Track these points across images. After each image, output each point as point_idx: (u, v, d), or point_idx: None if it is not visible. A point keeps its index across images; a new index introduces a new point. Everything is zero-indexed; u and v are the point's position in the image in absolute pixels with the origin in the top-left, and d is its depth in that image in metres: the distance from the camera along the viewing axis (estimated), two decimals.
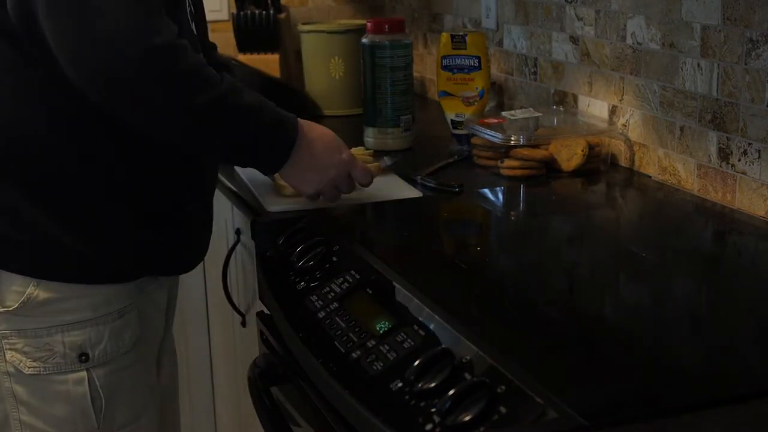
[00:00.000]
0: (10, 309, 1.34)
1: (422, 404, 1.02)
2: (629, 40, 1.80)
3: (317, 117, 2.41)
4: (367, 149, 1.95)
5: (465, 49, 2.01)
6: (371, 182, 1.58)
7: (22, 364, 1.35)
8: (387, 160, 1.80)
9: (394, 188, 1.71)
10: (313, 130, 1.47)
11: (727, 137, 1.59)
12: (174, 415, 1.63)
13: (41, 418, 1.37)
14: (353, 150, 1.88)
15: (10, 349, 1.35)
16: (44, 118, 1.30)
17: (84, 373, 1.36)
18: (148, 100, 1.25)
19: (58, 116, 1.30)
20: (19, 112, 1.29)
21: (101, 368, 1.37)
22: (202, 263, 2.31)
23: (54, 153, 1.31)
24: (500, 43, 2.26)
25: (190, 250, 1.48)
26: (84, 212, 1.33)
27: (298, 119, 1.46)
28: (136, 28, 1.21)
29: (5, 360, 1.35)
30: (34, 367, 1.35)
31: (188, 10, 1.45)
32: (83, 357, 1.36)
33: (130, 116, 1.28)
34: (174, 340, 1.62)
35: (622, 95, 1.85)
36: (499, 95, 2.26)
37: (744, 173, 1.57)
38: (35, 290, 1.33)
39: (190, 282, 2.22)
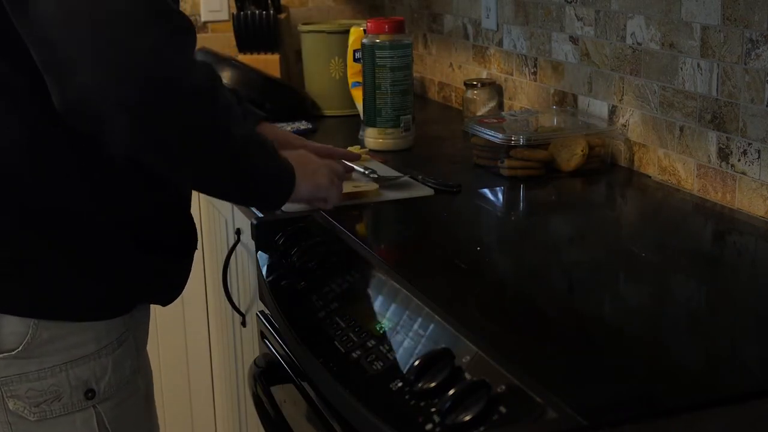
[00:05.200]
0: (13, 352, 1.23)
1: (422, 404, 1.02)
2: (629, 40, 1.80)
3: (317, 117, 2.41)
4: (362, 148, 1.96)
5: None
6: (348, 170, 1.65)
7: (26, 411, 1.25)
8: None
9: (403, 187, 1.71)
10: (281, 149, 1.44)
11: (726, 137, 1.59)
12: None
13: None
14: (350, 149, 1.89)
15: (12, 397, 1.25)
16: (46, 153, 1.22)
17: (91, 410, 1.29)
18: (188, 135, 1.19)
19: (62, 152, 1.23)
20: (21, 145, 1.21)
21: (107, 402, 1.30)
22: (202, 264, 2.32)
23: (57, 189, 1.24)
24: (500, 43, 2.26)
25: (180, 277, 1.43)
26: (86, 248, 1.26)
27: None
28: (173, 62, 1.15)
29: (7, 409, 1.25)
30: (38, 412, 1.26)
31: None
32: (89, 393, 1.28)
33: (157, 153, 1.20)
34: (148, 357, 1.52)
35: (622, 95, 1.85)
36: (499, 95, 2.27)
37: (744, 173, 1.57)
38: (37, 329, 1.24)
39: (190, 282, 2.22)
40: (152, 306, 1.46)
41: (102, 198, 1.27)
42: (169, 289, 1.41)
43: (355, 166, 1.74)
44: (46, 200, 1.24)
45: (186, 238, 1.41)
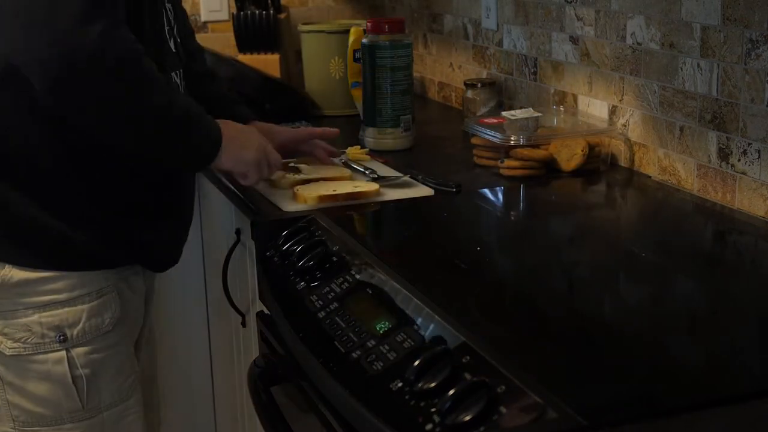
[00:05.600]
0: None
1: (422, 404, 1.02)
2: (629, 40, 1.80)
3: (317, 117, 2.41)
4: (362, 148, 1.96)
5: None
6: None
7: (2, 345, 1.39)
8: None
9: (403, 187, 1.71)
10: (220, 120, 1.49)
11: (727, 137, 1.59)
12: (154, 397, 1.67)
13: (27, 397, 1.41)
14: (350, 149, 1.89)
15: None
16: (31, 121, 1.34)
17: (63, 353, 1.40)
18: (100, 102, 1.28)
19: (43, 119, 1.34)
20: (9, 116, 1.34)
21: (81, 348, 1.41)
22: (202, 264, 2.32)
23: (37, 149, 1.35)
24: (500, 43, 2.26)
25: (164, 248, 1.52)
26: (63, 200, 1.36)
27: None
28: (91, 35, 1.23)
29: None
30: (14, 347, 1.39)
31: (166, 25, 1.47)
32: (61, 337, 1.39)
33: (78, 117, 1.32)
34: (154, 332, 1.64)
35: (622, 95, 1.85)
36: (499, 95, 2.27)
37: (744, 173, 1.57)
38: (9, 271, 1.36)
39: (190, 282, 2.22)
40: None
41: (69, 163, 1.36)
42: (152, 252, 1.49)
43: (350, 164, 1.75)
44: (26, 159, 1.35)
45: (159, 205, 1.47)
